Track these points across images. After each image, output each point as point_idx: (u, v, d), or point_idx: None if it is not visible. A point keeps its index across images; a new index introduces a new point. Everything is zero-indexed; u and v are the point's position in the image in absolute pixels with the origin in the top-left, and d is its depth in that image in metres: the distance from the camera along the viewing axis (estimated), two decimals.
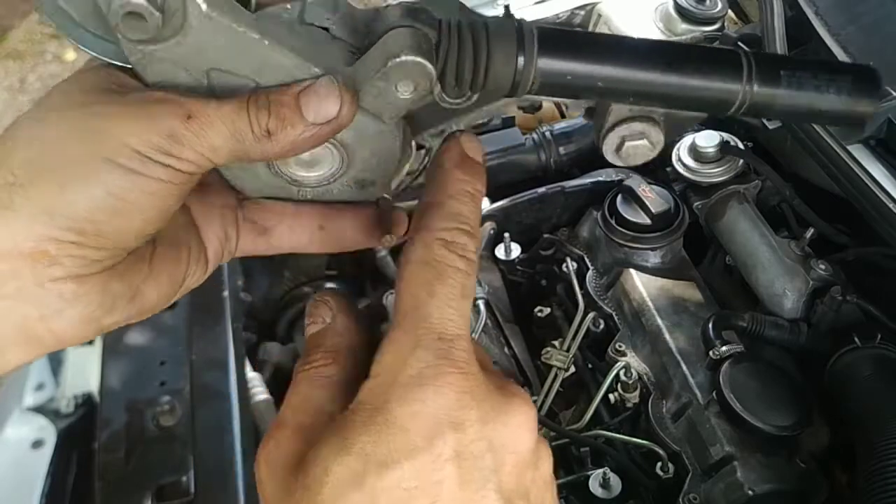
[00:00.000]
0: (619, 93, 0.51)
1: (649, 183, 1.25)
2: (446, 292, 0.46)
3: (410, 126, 0.53)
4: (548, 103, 1.59)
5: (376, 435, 0.42)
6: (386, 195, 0.55)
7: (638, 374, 1.12)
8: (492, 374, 0.48)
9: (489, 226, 1.39)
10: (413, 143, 0.54)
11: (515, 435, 0.46)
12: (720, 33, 1.36)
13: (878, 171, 0.97)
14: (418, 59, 0.46)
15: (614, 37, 0.54)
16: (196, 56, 0.45)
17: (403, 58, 0.46)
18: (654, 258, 1.23)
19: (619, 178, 1.34)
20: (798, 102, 0.52)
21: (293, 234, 0.57)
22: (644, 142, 0.54)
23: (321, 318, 0.52)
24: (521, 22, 0.49)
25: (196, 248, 0.53)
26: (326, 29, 0.49)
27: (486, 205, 1.41)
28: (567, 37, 0.50)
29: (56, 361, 1.29)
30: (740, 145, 1.22)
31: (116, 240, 0.46)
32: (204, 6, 0.43)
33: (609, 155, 0.55)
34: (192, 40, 0.44)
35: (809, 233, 1.10)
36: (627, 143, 0.54)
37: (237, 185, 0.53)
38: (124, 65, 0.47)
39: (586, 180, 1.38)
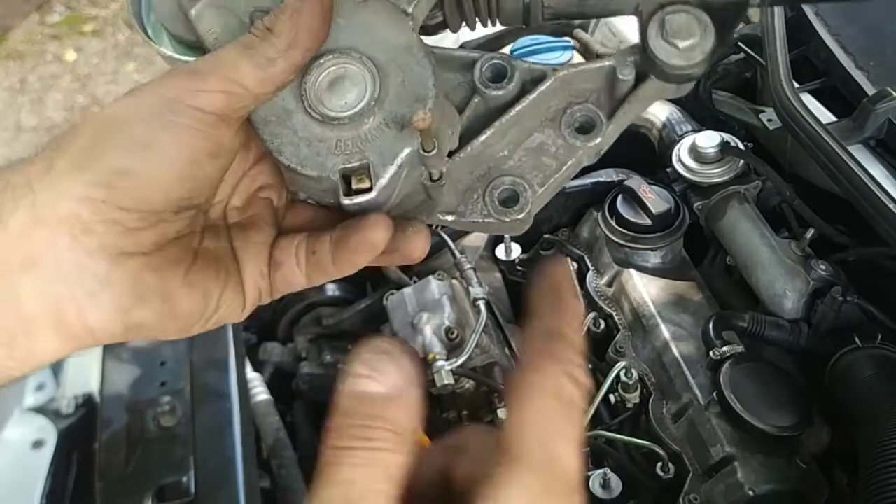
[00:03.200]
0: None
1: (650, 183, 1.25)
2: (574, 435, 0.42)
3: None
4: None
5: None
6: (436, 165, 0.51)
7: (638, 374, 1.12)
8: None
9: None
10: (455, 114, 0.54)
11: None
12: None
13: (878, 171, 0.97)
14: None
15: None
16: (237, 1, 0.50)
17: None
18: (654, 258, 1.23)
19: (620, 178, 1.34)
20: None
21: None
22: (691, 17, 0.49)
23: (390, 382, 0.42)
24: None
25: (234, 275, 0.54)
26: None
27: None
28: None
29: (56, 362, 1.29)
30: (740, 146, 1.22)
31: (145, 196, 0.47)
32: None
33: (657, 46, 0.49)
34: None
35: (810, 233, 1.10)
36: (669, 20, 0.49)
37: (276, 147, 0.51)
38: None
39: (586, 180, 1.38)
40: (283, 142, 0.51)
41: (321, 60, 0.50)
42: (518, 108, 0.53)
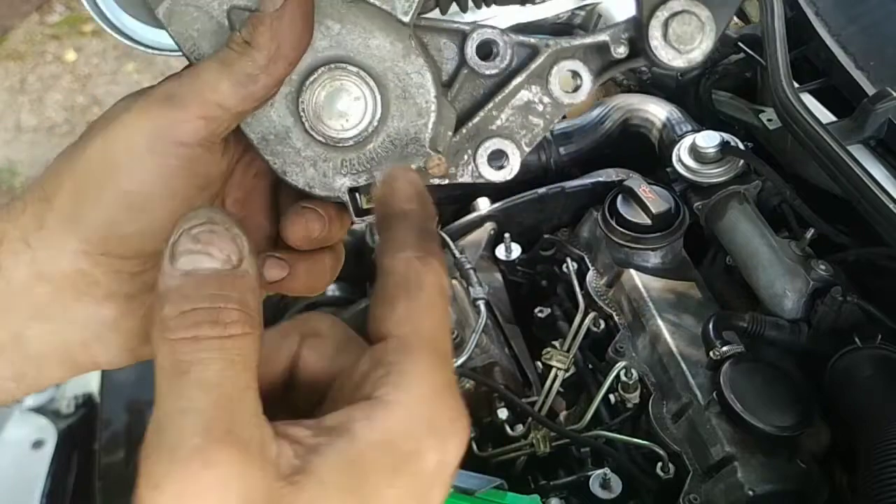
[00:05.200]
0: None
1: (650, 183, 1.25)
2: (448, 323, 0.42)
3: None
4: None
5: (405, 488, 0.36)
6: (434, 152, 0.51)
7: (638, 374, 1.12)
8: None
9: (489, 226, 1.39)
10: (452, 110, 0.53)
11: (461, 450, 0.41)
12: None
13: (878, 171, 0.97)
14: None
15: None
16: None
17: None
18: (654, 258, 1.23)
19: (620, 178, 1.34)
20: None
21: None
22: (693, 18, 0.50)
23: (224, 254, 0.35)
24: None
25: None
26: None
27: (486, 205, 1.42)
28: None
29: None
30: (740, 145, 1.22)
31: (143, 245, 0.46)
32: None
33: (659, 47, 0.51)
34: None
35: (810, 233, 1.10)
36: (672, 26, 0.50)
37: (279, 167, 0.50)
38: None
39: (587, 181, 1.38)
40: (287, 161, 0.50)
41: (314, 76, 0.49)
42: (510, 88, 0.53)
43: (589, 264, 1.29)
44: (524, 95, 0.54)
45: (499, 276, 1.38)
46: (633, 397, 1.11)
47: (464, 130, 0.53)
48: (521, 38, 0.53)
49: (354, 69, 0.49)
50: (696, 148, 1.23)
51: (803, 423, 0.97)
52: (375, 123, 0.50)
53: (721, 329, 1.07)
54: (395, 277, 0.40)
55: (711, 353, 1.04)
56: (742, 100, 1.32)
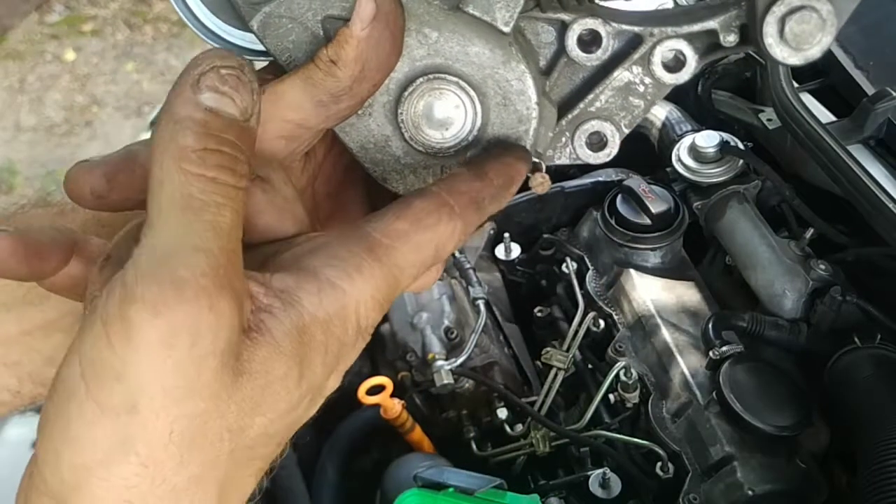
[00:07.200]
0: None
1: (649, 183, 1.25)
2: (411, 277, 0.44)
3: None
4: None
5: (329, 367, 0.39)
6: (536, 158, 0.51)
7: (638, 374, 1.12)
8: None
9: (489, 226, 1.39)
10: (552, 108, 0.52)
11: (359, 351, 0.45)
12: None
13: (878, 171, 0.97)
14: None
15: None
16: (307, 5, 0.46)
17: None
18: (653, 258, 1.23)
19: (619, 177, 1.34)
20: None
21: None
22: (813, 15, 0.46)
23: (244, 105, 0.36)
24: None
25: None
26: None
27: None
28: None
29: None
30: (740, 145, 1.22)
31: None
32: None
33: (774, 45, 0.47)
34: None
35: (809, 233, 1.10)
36: (790, 24, 0.46)
37: (379, 175, 0.50)
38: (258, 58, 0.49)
39: (586, 180, 1.38)
40: (387, 169, 0.49)
41: (413, 86, 0.48)
42: (611, 76, 0.52)
43: (588, 264, 1.29)
44: (624, 76, 0.52)
45: (498, 275, 1.38)
46: (633, 397, 1.11)
47: (563, 122, 0.53)
48: (624, 26, 0.51)
49: (454, 78, 0.48)
50: (696, 148, 1.23)
51: (803, 423, 0.97)
52: (476, 132, 0.49)
53: (721, 329, 1.07)
54: (422, 202, 0.41)
55: (711, 353, 1.04)
56: (742, 100, 1.32)
